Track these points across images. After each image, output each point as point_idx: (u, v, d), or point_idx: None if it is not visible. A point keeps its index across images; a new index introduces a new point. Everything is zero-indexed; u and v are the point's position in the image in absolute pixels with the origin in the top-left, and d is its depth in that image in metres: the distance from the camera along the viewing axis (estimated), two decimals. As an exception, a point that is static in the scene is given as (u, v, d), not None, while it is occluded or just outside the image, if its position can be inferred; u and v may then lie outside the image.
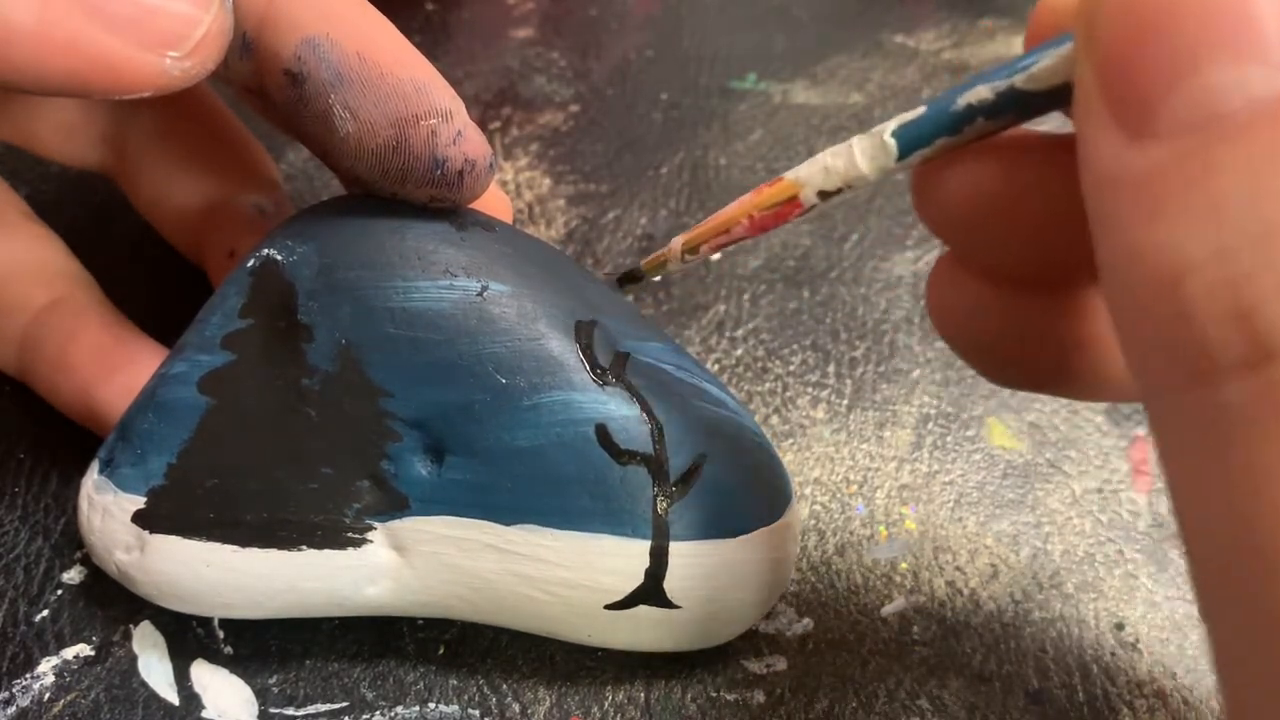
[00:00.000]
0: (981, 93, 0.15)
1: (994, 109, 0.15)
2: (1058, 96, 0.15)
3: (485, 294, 0.20)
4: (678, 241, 0.20)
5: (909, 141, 0.16)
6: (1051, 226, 0.16)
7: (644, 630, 0.21)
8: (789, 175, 0.18)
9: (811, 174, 0.17)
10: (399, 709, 0.23)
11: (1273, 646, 0.11)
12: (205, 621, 0.24)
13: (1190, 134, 0.11)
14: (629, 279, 0.21)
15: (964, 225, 0.17)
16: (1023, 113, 0.15)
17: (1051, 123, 0.16)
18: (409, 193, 0.20)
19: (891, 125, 0.16)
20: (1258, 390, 0.10)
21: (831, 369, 0.29)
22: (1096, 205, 0.12)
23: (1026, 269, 0.17)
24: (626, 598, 0.21)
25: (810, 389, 0.29)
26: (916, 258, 0.32)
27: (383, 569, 0.21)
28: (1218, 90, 0.11)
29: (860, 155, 0.17)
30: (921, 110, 0.16)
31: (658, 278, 0.21)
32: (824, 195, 0.17)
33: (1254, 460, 0.11)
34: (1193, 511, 0.12)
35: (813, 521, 0.26)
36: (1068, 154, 0.14)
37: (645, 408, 0.20)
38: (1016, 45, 0.40)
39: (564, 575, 0.20)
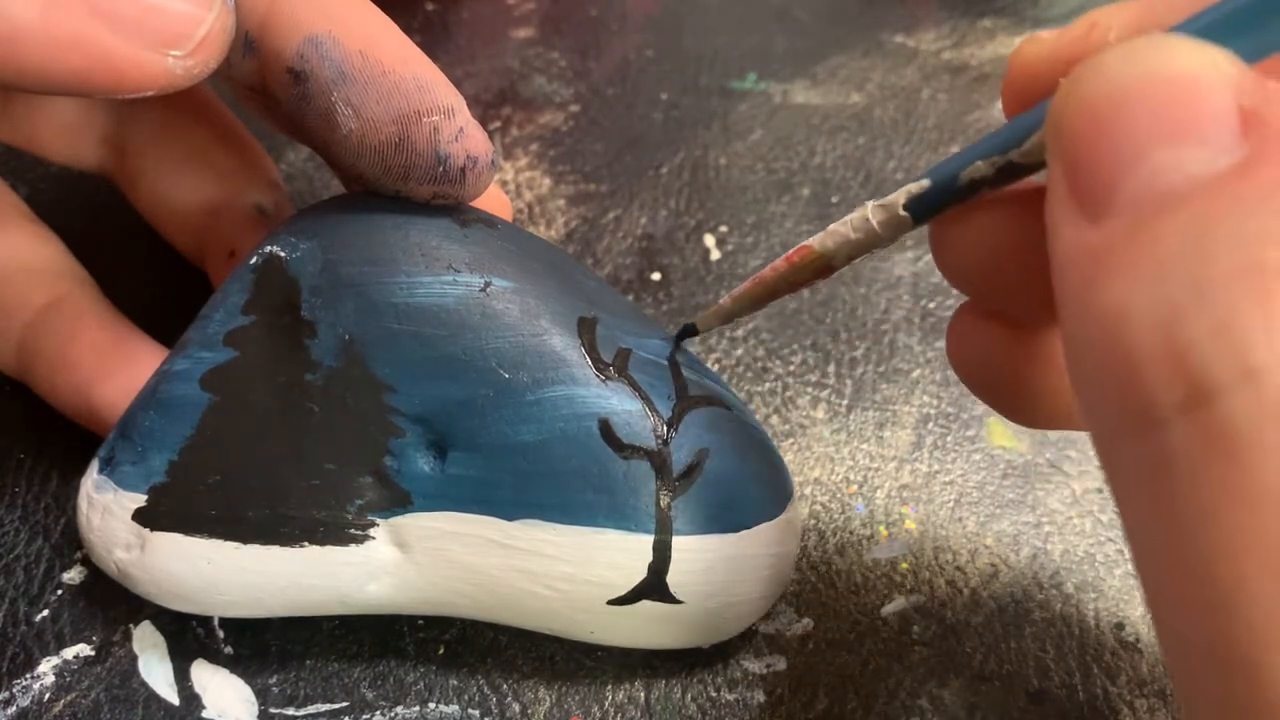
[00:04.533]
0: (981, 168, 0.16)
1: (994, 180, 0.16)
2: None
3: (488, 290, 0.20)
4: (726, 301, 0.22)
5: (920, 211, 0.18)
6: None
7: (646, 626, 0.21)
8: (816, 244, 0.19)
9: (839, 245, 0.19)
10: (399, 709, 0.23)
11: (1224, 675, 0.11)
12: (205, 621, 0.24)
13: (1138, 209, 0.12)
14: (686, 333, 0.23)
15: (981, 274, 0.18)
16: (1021, 176, 0.16)
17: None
18: (411, 190, 0.20)
19: (901, 198, 0.18)
20: (1196, 432, 0.11)
21: (831, 369, 0.29)
22: (1060, 281, 0.13)
23: (1044, 310, 0.18)
24: (629, 592, 0.21)
25: (810, 389, 0.29)
26: (916, 258, 0.32)
27: (385, 565, 0.21)
28: (1162, 171, 0.12)
29: (878, 225, 0.18)
30: (926, 184, 0.17)
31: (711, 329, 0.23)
32: (849, 259, 0.19)
33: (1195, 501, 0.11)
34: (1144, 551, 0.12)
35: (813, 521, 0.26)
36: None
37: (648, 403, 0.21)
38: (1017, 45, 0.40)
39: (567, 570, 0.20)
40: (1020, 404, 0.20)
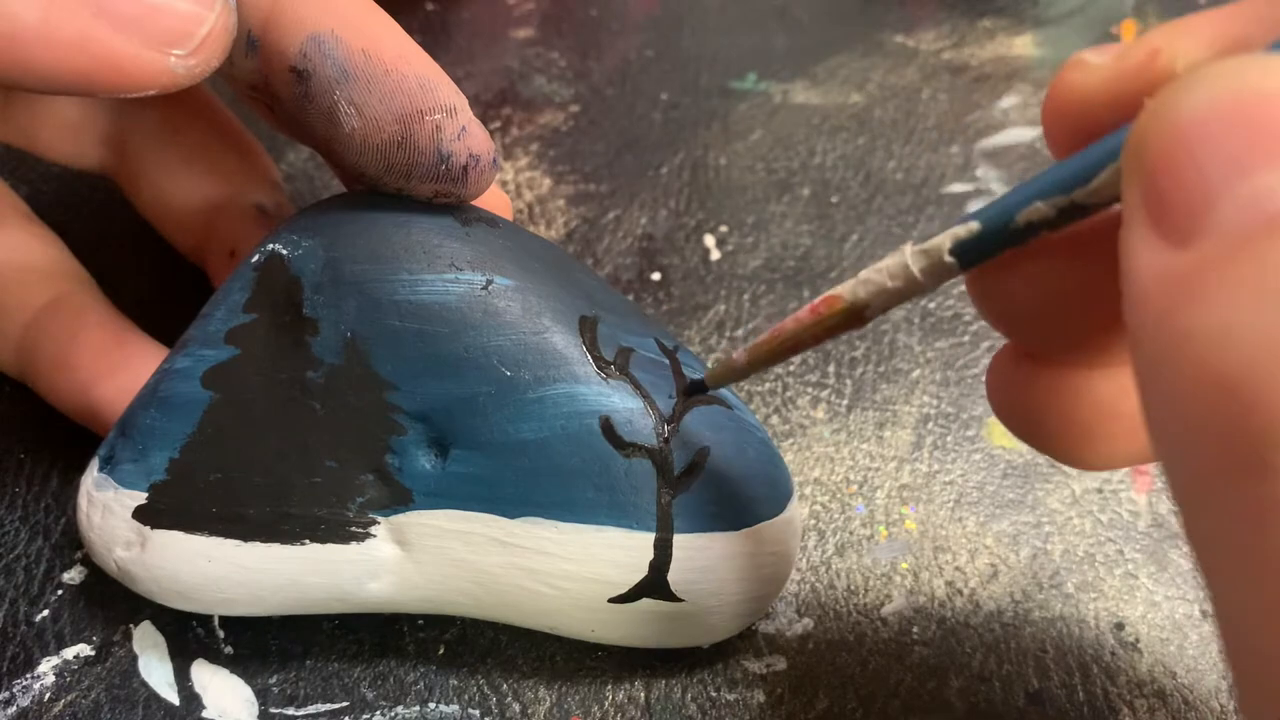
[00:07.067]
0: (1041, 210, 0.15)
1: (1054, 222, 0.15)
2: (1116, 199, 0.14)
3: (490, 288, 0.20)
4: (742, 355, 0.20)
5: (968, 257, 0.16)
6: (1112, 308, 0.15)
7: (647, 624, 0.21)
8: (846, 293, 0.18)
9: (871, 293, 0.17)
10: (399, 709, 0.23)
11: None
12: (205, 621, 0.24)
13: (1237, 232, 0.11)
14: (695, 389, 0.21)
15: (1026, 319, 0.17)
16: (1083, 216, 0.15)
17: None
18: (413, 188, 0.20)
19: (948, 243, 0.16)
20: None
21: (831, 369, 0.29)
22: (1137, 310, 0.12)
23: (1093, 351, 0.17)
24: (630, 590, 0.21)
25: (810, 389, 0.29)
26: (916, 258, 0.32)
27: (386, 564, 0.21)
28: (1266, 193, 0.11)
29: (919, 272, 0.17)
30: (975, 227, 0.16)
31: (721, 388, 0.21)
32: (884, 308, 0.17)
33: None
34: (1235, 606, 0.11)
35: (813, 521, 0.26)
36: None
37: (649, 401, 0.21)
38: (1016, 45, 0.40)
39: (568, 568, 0.20)
40: (1070, 447, 0.18)
